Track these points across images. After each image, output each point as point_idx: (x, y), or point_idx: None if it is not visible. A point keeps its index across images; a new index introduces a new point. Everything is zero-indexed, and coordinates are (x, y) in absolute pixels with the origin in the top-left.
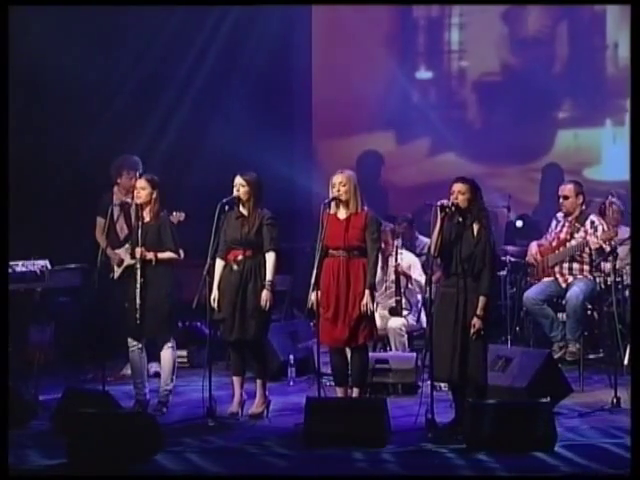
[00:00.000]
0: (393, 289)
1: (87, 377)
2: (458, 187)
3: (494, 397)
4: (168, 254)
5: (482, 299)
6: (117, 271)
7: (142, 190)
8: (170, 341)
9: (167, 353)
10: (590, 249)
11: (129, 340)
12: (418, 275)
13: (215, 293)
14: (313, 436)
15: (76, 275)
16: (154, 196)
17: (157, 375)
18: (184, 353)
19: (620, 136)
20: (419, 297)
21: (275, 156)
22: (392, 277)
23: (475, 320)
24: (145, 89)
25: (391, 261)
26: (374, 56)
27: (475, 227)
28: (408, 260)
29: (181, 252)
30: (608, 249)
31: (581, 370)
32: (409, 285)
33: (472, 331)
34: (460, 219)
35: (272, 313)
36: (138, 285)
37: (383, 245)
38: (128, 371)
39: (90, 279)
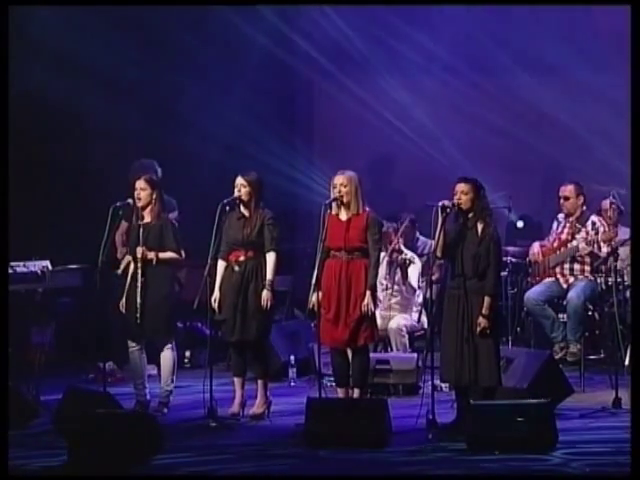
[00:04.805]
0: (395, 288)
1: (88, 377)
2: (461, 187)
3: (495, 398)
4: (169, 254)
5: (487, 299)
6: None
7: (142, 191)
8: (170, 342)
9: (167, 354)
10: (589, 253)
11: (129, 341)
12: (414, 281)
13: (217, 294)
14: (314, 436)
15: (77, 276)
16: (154, 196)
17: (153, 377)
18: (187, 354)
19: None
20: (420, 299)
21: (276, 156)
22: (397, 276)
23: (481, 319)
24: (147, 92)
25: (394, 257)
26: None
27: (479, 226)
28: (413, 256)
29: (182, 252)
30: (605, 250)
31: (582, 371)
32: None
33: (478, 330)
34: (463, 219)
35: (274, 314)
36: (139, 285)
37: (389, 244)
38: (129, 372)
39: (91, 279)
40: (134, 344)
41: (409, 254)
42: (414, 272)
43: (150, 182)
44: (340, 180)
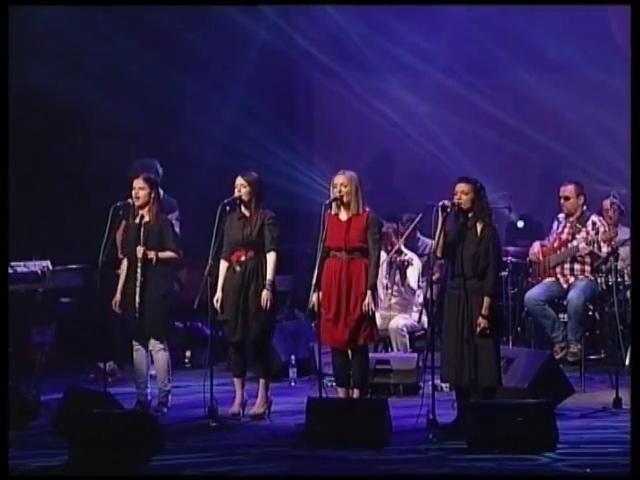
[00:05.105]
0: (394, 289)
1: (88, 377)
2: (461, 187)
3: (496, 397)
4: (168, 253)
5: (486, 299)
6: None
7: (141, 190)
8: (162, 342)
9: (160, 355)
10: (589, 253)
11: (133, 341)
12: (413, 282)
13: (219, 294)
14: (314, 436)
15: (77, 275)
16: (153, 195)
17: (153, 377)
18: (187, 354)
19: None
20: (420, 299)
21: (276, 156)
22: (397, 277)
23: (480, 320)
24: (147, 92)
25: (393, 258)
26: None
27: (479, 226)
28: (412, 257)
29: (181, 252)
30: (605, 250)
31: (582, 371)
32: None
33: (477, 330)
34: (463, 219)
35: (276, 313)
36: (138, 284)
37: (389, 246)
38: (131, 371)
39: (91, 279)
40: (138, 344)
41: (408, 255)
42: (413, 273)
43: (148, 181)
44: (340, 180)
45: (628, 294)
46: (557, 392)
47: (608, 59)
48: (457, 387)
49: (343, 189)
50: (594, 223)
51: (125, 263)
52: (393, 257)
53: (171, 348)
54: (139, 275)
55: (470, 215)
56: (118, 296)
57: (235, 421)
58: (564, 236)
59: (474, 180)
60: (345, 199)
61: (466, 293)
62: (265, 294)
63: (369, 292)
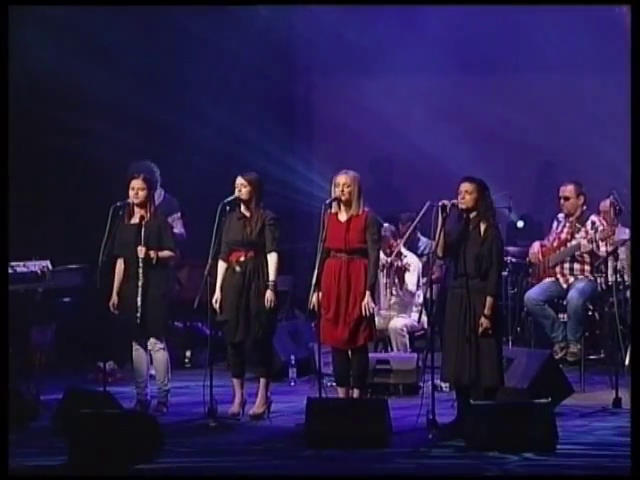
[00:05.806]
0: (394, 289)
1: (88, 377)
2: (465, 187)
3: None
4: (167, 252)
5: (489, 299)
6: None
7: (140, 190)
8: (161, 342)
9: (159, 354)
10: (590, 251)
11: (134, 341)
12: (411, 286)
13: (218, 295)
14: (314, 436)
15: (77, 275)
16: (151, 196)
17: (152, 377)
18: (187, 354)
19: None
20: (420, 299)
21: (275, 155)
22: (395, 280)
23: (483, 320)
24: (145, 92)
25: (393, 260)
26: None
27: (482, 226)
28: (409, 263)
29: (177, 251)
30: (603, 249)
31: (582, 371)
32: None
33: (479, 331)
34: (466, 219)
35: (277, 314)
36: (140, 285)
37: (387, 249)
38: (131, 371)
39: (91, 279)
40: (138, 344)
41: (407, 258)
42: (411, 278)
43: (147, 181)
44: (343, 180)
45: (628, 294)
46: (557, 392)
47: (608, 58)
48: (457, 387)
49: (346, 189)
50: (593, 223)
51: (121, 263)
52: (393, 259)
53: (171, 348)
54: (140, 275)
55: (473, 215)
56: (115, 297)
57: (235, 421)
58: (564, 236)
59: (479, 180)
60: (347, 199)
61: (468, 293)
62: (269, 294)
63: (368, 292)
